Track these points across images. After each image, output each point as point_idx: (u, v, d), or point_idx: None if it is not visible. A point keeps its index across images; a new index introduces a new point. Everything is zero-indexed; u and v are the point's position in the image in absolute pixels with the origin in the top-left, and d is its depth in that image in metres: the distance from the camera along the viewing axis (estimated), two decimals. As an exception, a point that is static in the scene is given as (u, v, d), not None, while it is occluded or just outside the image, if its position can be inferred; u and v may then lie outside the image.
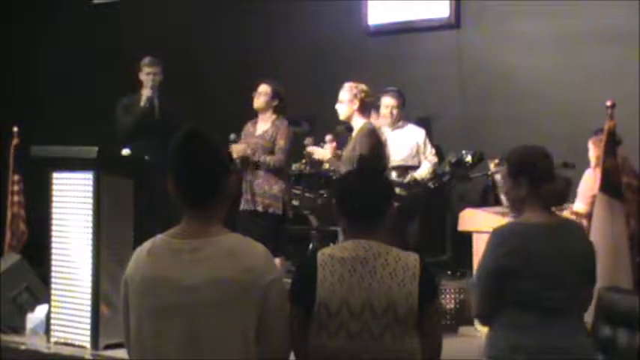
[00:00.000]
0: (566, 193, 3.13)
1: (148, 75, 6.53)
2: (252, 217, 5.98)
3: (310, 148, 6.09)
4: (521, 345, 2.94)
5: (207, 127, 2.46)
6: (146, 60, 6.59)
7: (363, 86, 5.56)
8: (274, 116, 6.18)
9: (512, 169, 3.09)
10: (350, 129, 6.51)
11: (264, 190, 6.00)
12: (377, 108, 6.83)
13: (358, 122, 5.50)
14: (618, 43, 6.45)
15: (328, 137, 6.27)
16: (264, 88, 6.27)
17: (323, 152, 5.91)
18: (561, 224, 3.11)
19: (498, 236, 3.05)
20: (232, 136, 6.12)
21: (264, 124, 6.20)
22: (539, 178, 3.03)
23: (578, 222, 5.21)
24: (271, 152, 6.02)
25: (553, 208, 3.10)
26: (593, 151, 5.53)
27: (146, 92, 6.48)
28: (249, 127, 6.31)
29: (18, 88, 8.79)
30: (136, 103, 6.48)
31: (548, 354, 2.93)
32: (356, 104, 5.50)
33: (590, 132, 5.58)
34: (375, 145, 5.42)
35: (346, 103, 5.52)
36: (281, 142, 6.05)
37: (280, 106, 6.12)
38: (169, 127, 6.27)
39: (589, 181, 5.47)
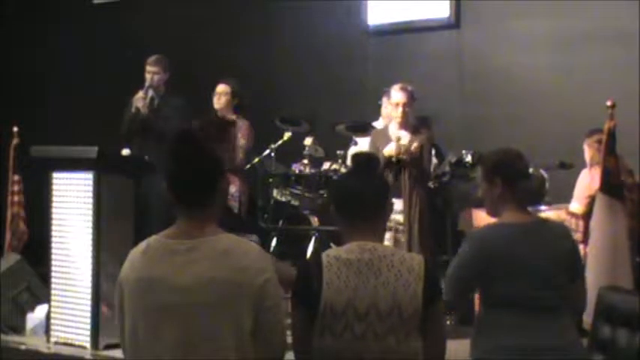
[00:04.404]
0: (542, 192, 3.15)
1: (148, 74, 6.47)
2: None
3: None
4: (506, 345, 2.93)
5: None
6: (149, 59, 6.53)
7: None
8: (234, 116, 6.20)
9: (486, 171, 3.13)
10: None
11: None
12: (378, 107, 6.80)
13: None
14: (618, 43, 6.46)
15: None
16: (223, 88, 6.31)
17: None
18: (539, 223, 3.12)
19: (476, 239, 3.07)
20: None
21: None
22: (514, 178, 3.06)
23: (573, 222, 5.23)
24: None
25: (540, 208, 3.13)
26: (588, 152, 5.55)
27: (140, 93, 6.44)
28: None
29: (18, 88, 8.79)
30: (134, 102, 6.47)
31: (534, 354, 2.92)
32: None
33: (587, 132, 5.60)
34: None
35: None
36: (242, 141, 6.07)
37: (240, 104, 6.14)
38: (166, 127, 6.31)
39: (584, 182, 5.47)
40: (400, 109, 5.71)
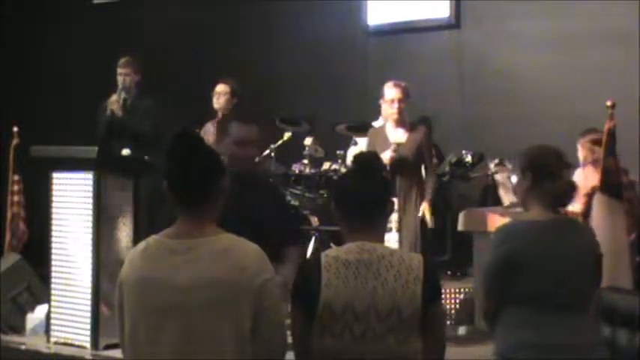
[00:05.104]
0: (570, 195, 3.15)
1: (119, 76, 6.58)
2: None
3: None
4: (529, 342, 2.94)
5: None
6: (119, 61, 6.63)
7: None
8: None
9: (520, 165, 3.15)
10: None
11: None
12: (378, 106, 6.78)
13: None
14: (618, 43, 6.46)
15: None
16: (222, 88, 6.33)
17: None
18: (562, 222, 3.13)
19: (500, 234, 3.09)
20: None
21: None
22: (543, 176, 3.07)
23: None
24: None
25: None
26: (581, 152, 5.58)
27: (113, 96, 6.51)
28: (209, 126, 6.32)
29: (18, 88, 8.79)
30: (108, 105, 6.54)
31: (556, 351, 2.93)
32: None
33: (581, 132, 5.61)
34: None
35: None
36: None
37: (239, 104, 6.15)
38: (139, 128, 6.36)
39: (579, 181, 5.49)
40: (396, 105, 5.64)
